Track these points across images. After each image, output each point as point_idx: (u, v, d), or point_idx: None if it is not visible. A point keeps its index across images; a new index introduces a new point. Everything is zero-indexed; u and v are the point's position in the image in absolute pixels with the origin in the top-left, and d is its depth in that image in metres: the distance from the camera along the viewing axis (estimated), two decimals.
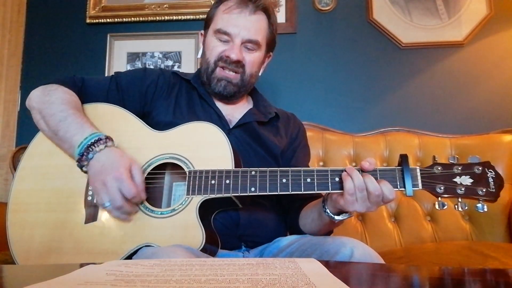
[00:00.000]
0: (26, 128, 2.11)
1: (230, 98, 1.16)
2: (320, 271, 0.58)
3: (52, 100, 1.02)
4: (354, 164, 1.78)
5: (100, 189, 0.90)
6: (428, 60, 1.98)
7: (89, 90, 1.11)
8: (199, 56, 1.21)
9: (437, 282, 0.63)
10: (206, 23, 1.19)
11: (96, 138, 0.93)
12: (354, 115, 1.99)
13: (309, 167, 1.25)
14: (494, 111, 1.91)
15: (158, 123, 1.07)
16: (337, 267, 0.73)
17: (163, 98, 1.14)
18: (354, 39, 2.04)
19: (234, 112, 1.17)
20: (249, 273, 0.55)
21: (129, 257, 0.91)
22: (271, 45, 1.20)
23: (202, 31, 1.22)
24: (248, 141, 1.12)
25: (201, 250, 0.89)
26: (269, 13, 1.14)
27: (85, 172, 0.95)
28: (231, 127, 1.13)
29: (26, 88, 2.16)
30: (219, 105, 1.16)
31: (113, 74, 1.19)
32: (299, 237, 1.04)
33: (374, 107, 1.99)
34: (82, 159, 0.93)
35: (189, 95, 1.16)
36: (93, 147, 0.93)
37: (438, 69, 1.97)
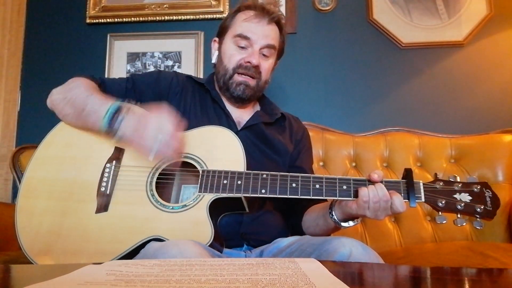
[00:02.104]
0: (26, 128, 2.11)
1: (246, 101, 1.22)
2: (320, 271, 0.58)
3: (75, 85, 1.09)
4: (354, 164, 1.78)
5: (144, 134, 0.94)
6: (428, 60, 1.98)
7: (108, 88, 1.15)
8: (213, 61, 1.27)
9: (437, 282, 0.63)
10: (222, 31, 1.25)
11: (120, 104, 1.00)
12: (354, 115, 1.99)
13: (313, 170, 1.30)
14: (494, 111, 1.91)
15: None
16: (337, 267, 0.73)
17: (176, 100, 1.18)
18: (354, 39, 2.04)
19: (243, 114, 1.23)
20: (249, 273, 0.55)
21: (138, 248, 0.92)
22: (280, 54, 1.29)
23: (216, 38, 1.28)
24: (255, 142, 1.17)
25: (209, 246, 0.90)
26: (281, 25, 1.24)
27: (118, 138, 0.98)
28: (239, 129, 1.17)
29: (26, 88, 2.16)
30: (230, 108, 1.22)
31: (128, 76, 1.24)
32: (298, 237, 1.05)
33: (374, 107, 1.98)
34: (112, 124, 0.97)
35: (202, 98, 1.22)
36: (120, 112, 0.98)
37: (438, 69, 1.97)
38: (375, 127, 1.88)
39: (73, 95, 1.06)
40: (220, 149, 1.02)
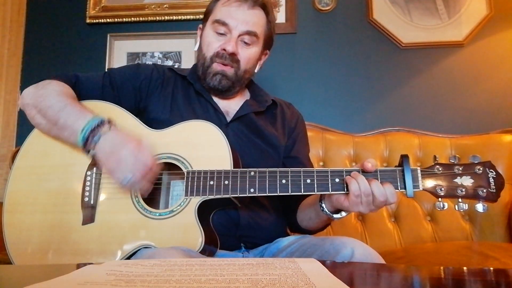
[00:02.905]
0: (26, 128, 2.08)
1: (225, 92, 1.15)
2: (320, 271, 0.58)
3: (47, 93, 1.00)
4: (354, 164, 1.78)
5: (116, 166, 0.89)
6: (428, 60, 1.98)
7: (84, 87, 1.09)
8: (195, 49, 1.21)
9: (437, 282, 0.63)
10: (204, 17, 1.18)
11: (99, 121, 0.92)
12: (354, 115, 1.99)
13: (309, 158, 1.25)
14: (494, 111, 1.91)
15: (155, 118, 1.07)
16: (337, 267, 0.73)
17: (157, 93, 1.13)
18: (354, 39, 2.04)
19: (231, 104, 1.17)
20: (249, 273, 0.55)
21: (128, 258, 0.91)
22: (268, 42, 1.19)
23: (201, 25, 1.21)
24: (246, 133, 1.12)
25: (200, 252, 0.89)
26: (267, 10, 1.14)
27: (92, 156, 0.93)
28: (228, 121, 1.12)
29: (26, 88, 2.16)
30: (216, 99, 1.16)
31: (105, 71, 1.17)
32: (299, 237, 1.04)
33: (374, 107, 1.98)
34: (88, 143, 0.91)
35: (185, 91, 1.16)
36: (98, 130, 0.91)
37: (438, 69, 1.97)
38: (375, 127, 1.88)
39: (44, 105, 0.98)
40: (204, 146, 0.97)
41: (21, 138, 2.11)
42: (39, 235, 0.95)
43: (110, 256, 0.91)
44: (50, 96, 0.99)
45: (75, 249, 0.93)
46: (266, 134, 1.13)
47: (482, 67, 1.94)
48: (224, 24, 1.09)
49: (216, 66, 1.11)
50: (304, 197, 1.11)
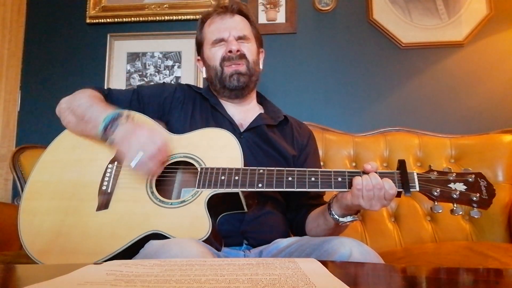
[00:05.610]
0: (26, 128, 2.11)
1: (244, 90, 1.23)
2: (320, 271, 0.58)
3: (80, 96, 1.15)
4: (354, 164, 1.78)
5: (129, 146, 0.98)
6: (428, 60, 1.98)
7: (114, 99, 1.21)
8: (204, 76, 1.31)
9: (437, 282, 0.63)
10: (199, 47, 1.31)
11: (119, 113, 1.04)
12: (354, 115, 1.99)
13: None
14: (494, 111, 1.91)
15: (175, 131, 1.15)
16: (337, 267, 0.73)
17: (179, 109, 1.23)
18: (354, 39, 2.04)
19: (246, 116, 1.25)
20: (249, 273, 0.55)
21: (136, 245, 0.92)
22: (259, 40, 1.32)
23: (198, 57, 1.33)
24: (258, 143, 1.19)
25: (205, 241, 0.91)
26: (244, 13, 1.28)
27: (110, 143, 1.02)
28: (242, 131, 1.19)
29: (26, 88, 2.16)
30: (231, 111, 1.24)
31: (135, 87, 1.29)
32: (298, 238, 1.05)
33: (374, 107, 1.99)
34: (107, 131, 1.02)
35: (203, 106, 1.25)
36: (117, 120, 1.03)
37: (438, 69, 1.97)
38: (375, 127, 1.88)
39: (75, 104, 1.13)
40: (218, 148, 1.05)
41: (21, 138, 2.11)
42: (52, 219, 1.00)
43: (119, 240, 0.94)
44: (82, 98, 1.14)
45: (85, 233, 0.97)
46: (276, 145, 1.20)
47: (482, 67, 1.94)
48: (220, 40, 1.22)
49: (228, 69, 1.21)
50: (313, 208, 1.16)
